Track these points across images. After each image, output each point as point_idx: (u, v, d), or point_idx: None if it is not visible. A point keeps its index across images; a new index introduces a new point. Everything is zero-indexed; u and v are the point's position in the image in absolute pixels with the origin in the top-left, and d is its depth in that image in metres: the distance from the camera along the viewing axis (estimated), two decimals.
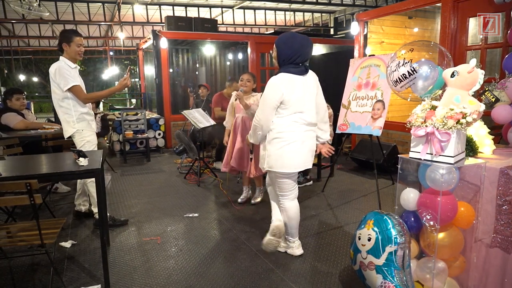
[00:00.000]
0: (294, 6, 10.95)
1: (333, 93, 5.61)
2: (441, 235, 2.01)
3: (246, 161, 3.93)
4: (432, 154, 1.91)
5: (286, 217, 2.81)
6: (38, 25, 12.56)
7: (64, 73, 3.24)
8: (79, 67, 3.43)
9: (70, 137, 3.41)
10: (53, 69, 3.27)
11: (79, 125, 3.36)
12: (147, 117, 7.18)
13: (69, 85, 3.24)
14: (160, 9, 10.75)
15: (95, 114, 5.57)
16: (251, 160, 3.68)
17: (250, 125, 3.85)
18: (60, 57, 3.34)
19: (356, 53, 6.49)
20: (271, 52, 2.72)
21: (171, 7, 10.53)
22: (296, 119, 2.59)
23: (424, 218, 2.02)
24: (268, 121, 2.60)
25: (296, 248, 2.90)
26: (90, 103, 3.55)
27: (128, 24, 12.35)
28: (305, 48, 2.56)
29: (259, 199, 4.16)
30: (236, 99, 3.89)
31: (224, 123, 4.20)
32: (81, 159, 2.50)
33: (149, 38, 8.14)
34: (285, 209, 2.79)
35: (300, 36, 2.59)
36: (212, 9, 11.14)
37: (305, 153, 2.67)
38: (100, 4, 10.17)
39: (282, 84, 2.52)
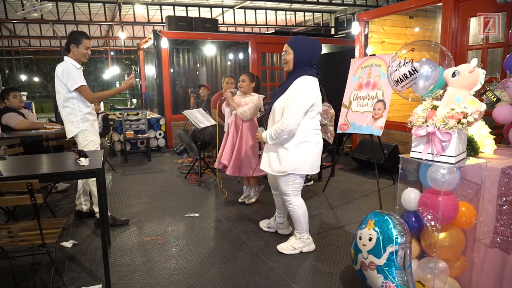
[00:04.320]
0: (295, 6, 10.96)
1: (334, 93, 5.62)
2: (442, 235, 2.01)
3: (247, 166, 3.89)
4: (433, 154, 1.91)
5: (301, 214, 2.86)
6: (39, 25, 12.59)
7: (72, 73, 3.25)
8: (83, 67, 3.45)
9: (72, 137, 3.42)
10: (60, 69, 3.28)
11: (83, 125, 3.37)
12: (148, 117, 7.18)
13: (77, 84, 3.26)
14: (160, 9, 10.77)
15: (98, 113, 5.58)
16: (260, 157, 3.64)
17: (241, 124, 3.86)
18: (65, 57, 3.35)
19: (357, 53, 6.49)
20: (283, 53, 2.71)
21: (172, 7, 10.54)
22: (317, 122, 2.73)
23: (425, 218, 2.02)
24: (297, 125, 2.61)
25: (312, 243, 2.99)
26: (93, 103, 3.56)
27: (129, 24, 12.37)
28: (320, 51, 2.70)
29: (254, 200, 4.14)
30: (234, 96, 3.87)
31: (222, 109, 4.12)
32: (82, 159, 2.50)
33: (150, 38, 8.15)
34: (299, 206, 2.85)
35: (316, 40, 2.70)
36: (212, 9, 11.16)
37: (320, 153, 2.82)
38: (101, 4, 10.19)
39: (314, 87, 2.62)
